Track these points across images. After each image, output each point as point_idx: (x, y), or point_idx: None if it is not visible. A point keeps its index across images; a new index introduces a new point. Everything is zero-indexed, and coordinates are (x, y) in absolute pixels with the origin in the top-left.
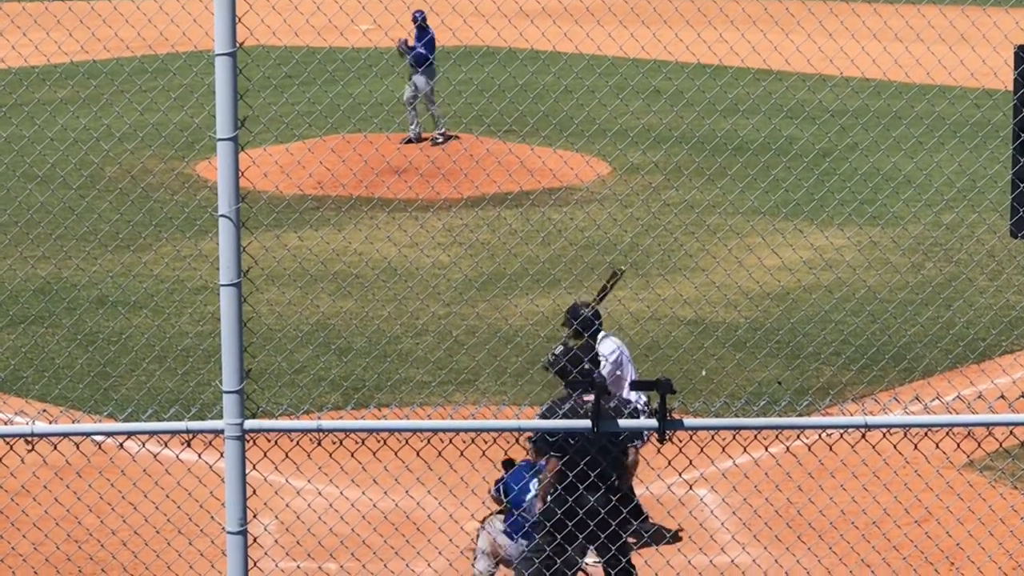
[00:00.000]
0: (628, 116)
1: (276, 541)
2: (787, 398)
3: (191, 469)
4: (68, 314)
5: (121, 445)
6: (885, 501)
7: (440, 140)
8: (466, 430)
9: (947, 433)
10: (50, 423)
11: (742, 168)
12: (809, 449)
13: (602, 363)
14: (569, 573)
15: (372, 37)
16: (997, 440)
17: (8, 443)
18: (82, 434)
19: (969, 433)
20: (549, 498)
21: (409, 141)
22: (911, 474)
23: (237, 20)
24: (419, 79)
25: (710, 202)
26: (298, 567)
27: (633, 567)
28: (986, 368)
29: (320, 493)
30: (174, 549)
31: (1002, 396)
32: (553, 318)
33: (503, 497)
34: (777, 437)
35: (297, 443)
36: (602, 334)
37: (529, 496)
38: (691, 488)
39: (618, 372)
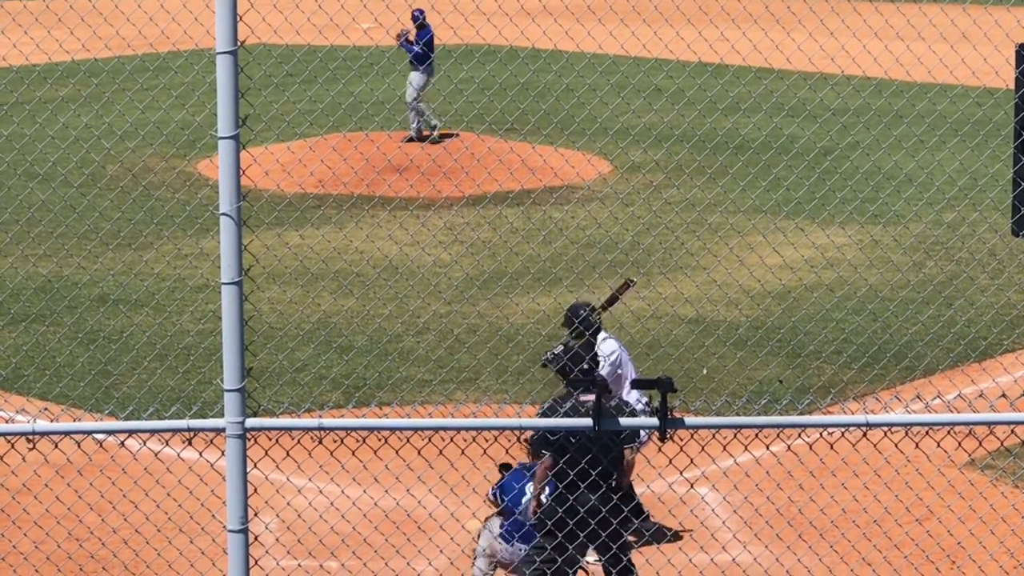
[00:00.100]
0: (629, 114)
1: (277, 539)
2: (788, 397)
3: (192, 467)
4: (69, 312)
5: (122, 443)
6: (886, 500)
7: (435, 136)
8: (467, 428)
9: (948, 432)
10: (51, 421)
11: (743, 166)
12: (810, 448)
13: (602, 363)
14: (570, 572)
15: (373, 35)
16: (998, 439)
17: (9, 441)
18: (83, 432)
19: (970, 432)
20: (543, 497)
21: (411, 140)
22: (912, 473)
23: (238, 18)
24: (416, 76)
25: (711, 200)
26: (299, 565)
27: (632, 566)
28: (987, 366)
29: (321, 491)
30: (175, 547)
31: (1003, 395)
32: (554, 316)
33: (499, 501)
34: (778, 436)
35: (298, 441)
36: (603, 334)
37: (524, 499)
38: (692, 487)
39: (619, 371)
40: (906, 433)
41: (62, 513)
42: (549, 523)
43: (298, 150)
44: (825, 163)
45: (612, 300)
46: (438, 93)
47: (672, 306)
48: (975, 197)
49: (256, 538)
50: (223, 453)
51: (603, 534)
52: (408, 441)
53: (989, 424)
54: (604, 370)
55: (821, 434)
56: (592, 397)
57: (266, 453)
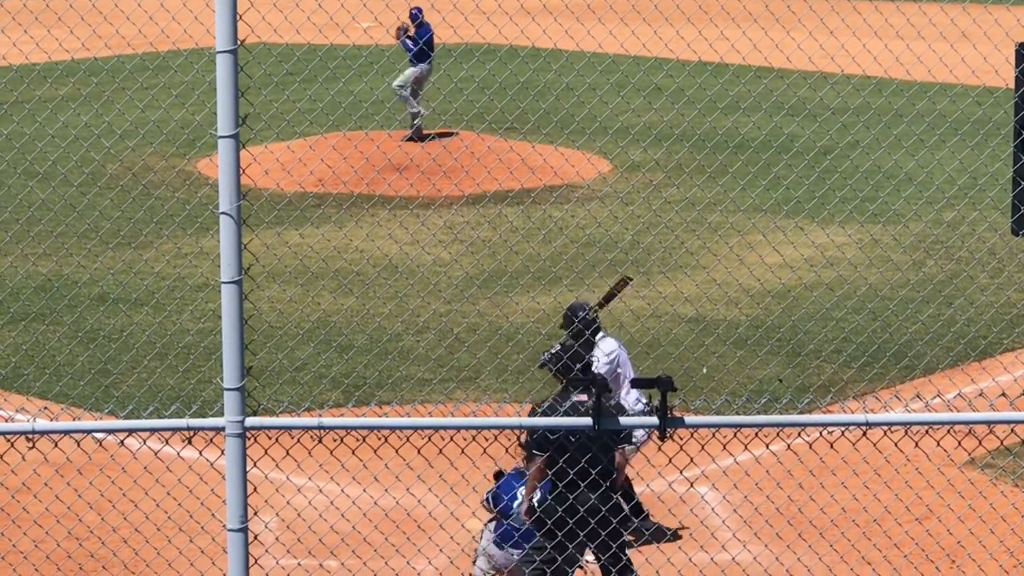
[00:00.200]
0: (629, 114)
1: (277, 538)
2: (788, 396)
3: (192, 466)
4: (69, 311)
5: (122, 442)
6: (886, 499)
7: (415, 123)
8: (467, 427)
9: (948, 431)
10: (51, 420)
11: (743, 166)
12: (810, 447)
13: (595, 362)
14: (570, 572)
15: (373, 34)
16: (998, 438)
17: (9, 440)
18: (83, 431)
19: (970, 431)
20: (535, 501)
21: (410, 139)
22: (912, 472)
23: (238, 17)
24: (410, 69)
25: (711, 200)
26: (299, 564)
27: (631, 565)
28: (987, 366)
29: (321, 490)
30: (175, 546)
31: (1003, 394)
32: (554, 315)
33: (493, 507)
34: (778, 435)
35: (298, 440)
36: (601, 333)
37: (516, 504)
38: (692, 486)
39: (619, 370)
40: (906, 432)
41: (62, 512)
42: (549, 523)
43: (298, 149)
44: (825, 162)
45: (609, 297)
46: (438, 92)
47: (672, 305)
48: (975, 196)
49: (256, 537)
50: (223, 452)
51: (602, 534)
52: (408, 440)
53: (989, 423)
54: (602, 368)
55: (821, 433)
56: (585, 397)
57: (266, 452)
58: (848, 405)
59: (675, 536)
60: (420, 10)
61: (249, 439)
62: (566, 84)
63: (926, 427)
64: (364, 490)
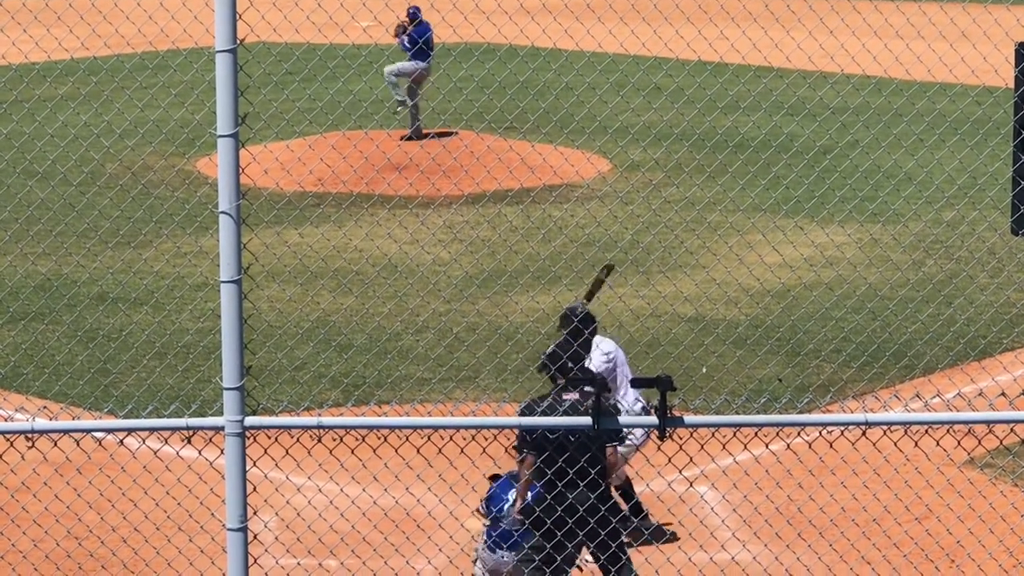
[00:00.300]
0: (629, 113)
1: (276, 538)
2: (788, 395)
3: (191, 466)
4: (68, 311)
5: (121, 442)
6: (886, 498)
7: (399, 111)
8: (466, 427)
9: (948, 430)
10: (50, 420)
11: (743, 165)
12: (810, 446)
13: (587, 361)
14: (568, 571)
15: (372, 33)
16: (998, 437)
17: (8, 439)
18: (82, 431)
19: (970, 430)
20: (530, 496)
21: (409, 138)
22: (912, 471)
23: (238, 16)
24: (407, 64)
25: (711, 199)
26: (298, 564)
27: (630, 563)
28: (987, 365)
29: (320, 490)
30: (174, 546)
31: (1003, 393)
32: (553, 315)
33: (488, 512)
34: (778, 434)
35: (297, 440)
36: (598, 336)
37: (507, 506)
38: (691, 485)
39: (616, 370)
40: (905, 432)
41: (61, 511)
42: (548, 522)
43: (297, 148)
44: (824, 162)
45: (597, 286)
46: (437, 91)
47: (671, 305)
48: (974, 196)
49: (255, 536)
50: (222, 451)
51: (602, 533)
52: (407, 439)
53: (988, 423)
54: (600, 369)
55: (820, 433)
56: (575, 395)
57: (265, 451)
58: (847, 405)
59: (674, 536)
60: (418, 8)
61: (248, 438)
62: (565, 83)
63: (925, 427)
64: (363, 489)
